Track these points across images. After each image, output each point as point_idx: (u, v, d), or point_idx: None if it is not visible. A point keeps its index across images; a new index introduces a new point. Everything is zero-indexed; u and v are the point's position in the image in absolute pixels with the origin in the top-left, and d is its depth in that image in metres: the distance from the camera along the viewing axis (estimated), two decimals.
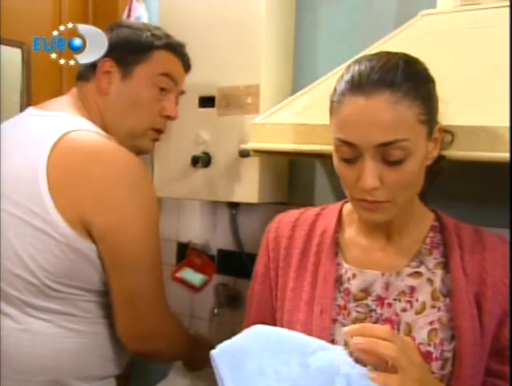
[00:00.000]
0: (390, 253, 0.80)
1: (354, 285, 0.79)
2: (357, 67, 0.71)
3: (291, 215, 0.90)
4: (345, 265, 0.81)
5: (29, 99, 1.46)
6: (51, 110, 0.99)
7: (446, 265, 0.78)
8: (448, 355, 0.73)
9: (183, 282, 1.53)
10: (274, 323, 0.85)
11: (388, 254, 0.80)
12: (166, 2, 1.36)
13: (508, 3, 0.92)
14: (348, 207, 0.87)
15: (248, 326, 0.87)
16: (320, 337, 0.74)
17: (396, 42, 0.98)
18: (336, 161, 0.75)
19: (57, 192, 0.88)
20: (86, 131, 0.94)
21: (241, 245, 1.44)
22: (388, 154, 0.68)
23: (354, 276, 0.80)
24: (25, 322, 0.93)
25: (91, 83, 1.03)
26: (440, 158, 0.79)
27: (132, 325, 0.95)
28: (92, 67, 1.01)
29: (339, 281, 0.80)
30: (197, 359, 1.19)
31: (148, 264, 0.94)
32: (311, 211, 0.89)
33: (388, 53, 0.74)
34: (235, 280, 1.47)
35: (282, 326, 0.82)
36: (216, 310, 1.48)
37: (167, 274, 1.53)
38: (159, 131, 1.09)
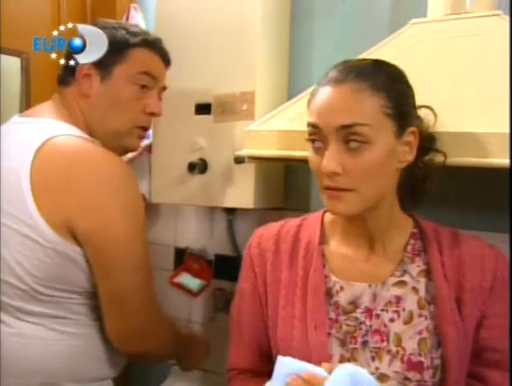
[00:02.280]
0: (375, 263, 0.81)
1: (343, 298, 0.79)
2: (333, 68, 0.77)
3: (272, 228, 0.89)
4: (333, 278, 0.81)
5: (28, 106, 1.47)
6: (34, 117, 1.00)
7: (428, 273, 0.79)
8: (437, 361, 0.74)
9: (181, 287, 1.54)
10: (268, 341, 0.84)
11: (372, 264, 0.81)
12: (163, 11, 1.38)
13: (496, 12, 0.94)
14: (329, 214, 0.87)
15: (242, 346, 0.87)
16: (318, 353, 0.75)
17: (387, 49, 1.00)
18: (309, 152, 0.77)
19: (41, 198, 0.89)
20: (68, 136, 0.94)
21: (238, 250, 1.45)
22: (348, 139, 0.71)
23: (342, 288, 0.80)
24: (17, 326, 0.93)
25: (72, 87, 1.03)
26: (426, 164, 0.81)
27: (120, 325, 0.95)
28: (72, 71, 1.01)
29: (328, 293, 0.80)
30: (191, 359, 1.19)
31: (134, 264, 0.94)
32: (292, 223, 0.89)
33: (363, 58, 0.81)
34: (232, 284, 1.47)
35: (276, 344, 0.81)
36: (213, 315, 1.50)
37: (165, 279, 1.54)
38: (144, 128, 1.09)
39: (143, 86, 1.04)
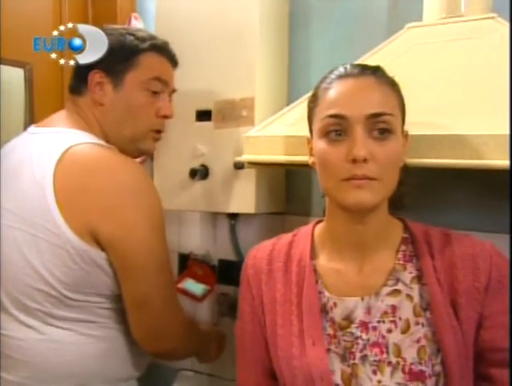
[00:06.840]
0: (367, 274, 0.80)
1: (337, 314, 0.79)
2: (340, 67, 0.79)
3: (264, 248, 0.89)
4: (327, 294, 0.80)
5: (32, 116, 1.49)
6: (51, 126, 1.02)
7: (421, 278, 0.78)
8: (439, 368, 0.73)
9: (185, 293, 1.54)
10: (269, 360, 0.84)
11: (364, 276, 0.80)
12: (162, 18, 1.40)
13: (490, 15, 0.95)
14: (319, 228, 0.87)
15: (246, 367, 0.87)
16: (318, 369, 0.75)
17: (384, 54, 1.01)
18: (320, 147, 0.75)
19: (65, 206, 0.91)
20: (87, 144, 0.96)
21: (241, 255, 1.46)
22: (375, 127, 0.72)
23: (335, 305, 0.79)
24: (48, 332, 0.95)
25: (85, 96, 1.04)
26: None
27: (145, 326, 0.97)
28: (83, 80, 1.03)
29: (324, 309, 0.80)
30: (210, 352, 1.23)
31: (156, 266, 0.96)
32: (284, 240, 0.89)
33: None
34: (236, 289, 1.48)
35: (278, 364, 0.81)
36: (217, 320, 1.50)
37: None
38: (159, 131, 1.11)
39: (155, 91, 1.06)
